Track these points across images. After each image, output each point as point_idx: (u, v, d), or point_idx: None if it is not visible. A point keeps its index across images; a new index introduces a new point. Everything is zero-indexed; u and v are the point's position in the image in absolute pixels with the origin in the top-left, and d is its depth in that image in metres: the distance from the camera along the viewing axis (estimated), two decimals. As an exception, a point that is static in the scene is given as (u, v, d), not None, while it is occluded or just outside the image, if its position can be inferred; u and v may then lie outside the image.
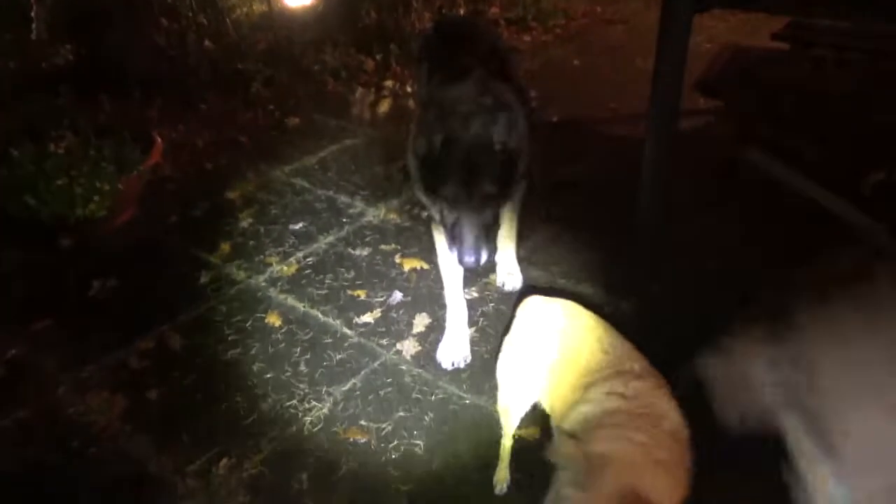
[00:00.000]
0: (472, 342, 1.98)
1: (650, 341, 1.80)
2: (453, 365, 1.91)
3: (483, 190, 1.59)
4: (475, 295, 2.17)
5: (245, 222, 2.60)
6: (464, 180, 1.57)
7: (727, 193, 2.49)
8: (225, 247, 2.44)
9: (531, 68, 4.02)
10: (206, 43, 4.35)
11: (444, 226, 1.68)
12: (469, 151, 1.57)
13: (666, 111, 2.00)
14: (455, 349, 1.92)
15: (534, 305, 1.49)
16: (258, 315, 2.11)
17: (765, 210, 2.34)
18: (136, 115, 3.41)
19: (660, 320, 1.94)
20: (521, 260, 2.28)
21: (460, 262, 1.63)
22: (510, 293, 2.17)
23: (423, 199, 1.79)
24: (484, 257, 1.62)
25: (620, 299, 2.11)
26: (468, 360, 1.92)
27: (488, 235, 1.65)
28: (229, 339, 2.02)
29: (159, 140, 2.66)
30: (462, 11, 4.82)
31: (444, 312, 2.05)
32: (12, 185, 2.21)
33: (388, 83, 3.86)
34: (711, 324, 1.68)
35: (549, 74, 3.98)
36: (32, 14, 3.81)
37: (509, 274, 2.20)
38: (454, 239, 1.62)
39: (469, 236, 1.59)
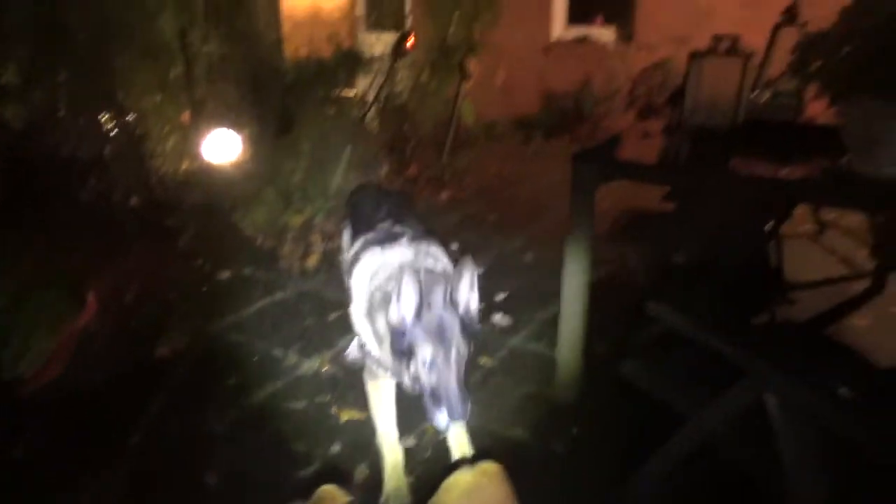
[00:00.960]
0: (412, 490, 2.02)
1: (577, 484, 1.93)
2: None
3: (459, 349, 1.71)
4: (413, 442, 2.23)
5: (177, 380, 2.59)
6: (440, 342, 1.69)
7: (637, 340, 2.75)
8: (154, 407, 2.42)
9: (451, 223, 4.35)
10: (133, 199, 4.46)
11: (421, 390, 1.73)
12: (442, 317, 1.70)
13: (580, 263, 2.26)
14: (396, 498, 1.96)
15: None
16: (196, 472, 2.08)
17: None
18: (64, 269, 3.42)
19: (583, 463, 2.08)
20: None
21: (452, 417, 1.67)
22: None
23: (391, 364, 1.85)
24: (468, 408, 1.70)
25: (550, 441, 2.24)
26: None
27: (466, 389, 1.72)
28: (165, 500, 1.97)
29: (92, 298, 2.67)
30: (384, 170, 5.21)
31: (382, 462, 2.11)
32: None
33: (316, 238, 4.05)
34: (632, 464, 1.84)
35: (466, 228, 4.30)
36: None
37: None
38: (436, 401, 1.68)
39: (453, 396, 1.66)
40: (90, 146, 4.10)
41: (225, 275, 3.56)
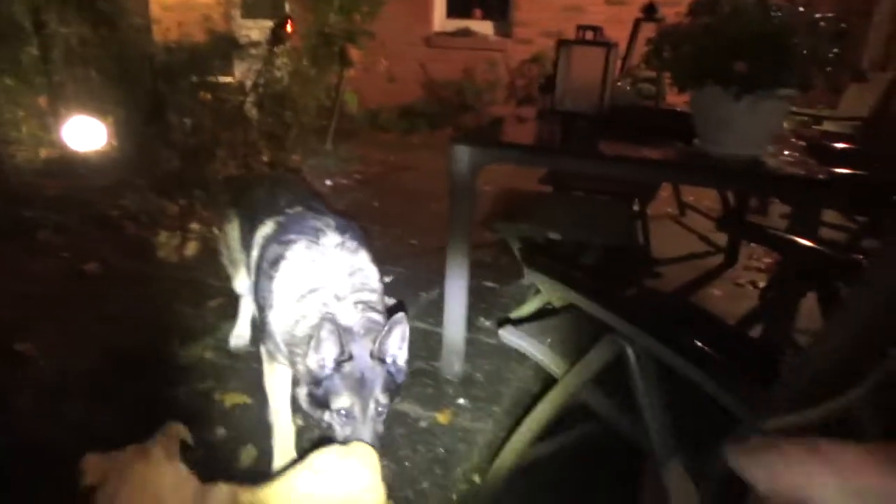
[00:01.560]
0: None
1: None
2: None
3: (378, 402, 1.65)
4: (302, 423, 2.23)
5: (42, 377, 2.43)
6: (359, 394, 1.62)
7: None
8: (23, 404, 2.26)
9: (336, 210, 4.33)
10: (-20, 192, 4.10)
11: (336, 436, 1.67)
12: (363, 370, 1.63)
13: (461, 246, 2.34)
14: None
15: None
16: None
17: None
18: None
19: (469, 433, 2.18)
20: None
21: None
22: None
23: (305, 407, 1.76)
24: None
25: (434, 412, 2.32)
26: None
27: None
28: None
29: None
30: (265, 158, 5.10)
31: (271, 442, 2.10)
32: None
33: (195, 226, 3.90)
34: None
35: (351, 215, 4.29)
36: None
37: None
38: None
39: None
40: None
41: (92, 267, 3.35)
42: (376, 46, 6.00)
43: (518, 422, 1.86)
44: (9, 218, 3.82)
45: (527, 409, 1.86)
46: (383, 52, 6.45)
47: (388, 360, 1.67)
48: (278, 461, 1.98)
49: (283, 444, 2.01)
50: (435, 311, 2.86)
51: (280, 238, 1.93)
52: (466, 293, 2.41)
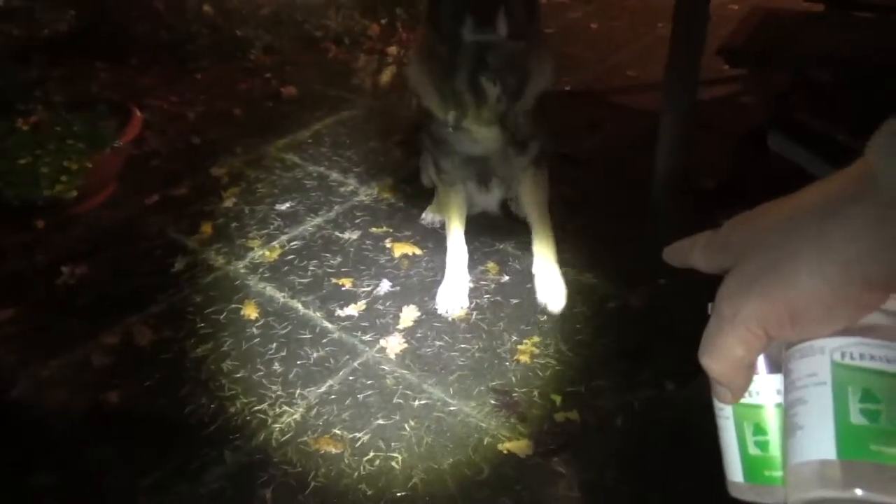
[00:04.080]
0: (463, 339, 1.81)
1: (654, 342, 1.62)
2: (447, 313, 1.86)
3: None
4: (469, 285, 1.98)
5: (230, 202, 2.43)
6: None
7: (750, 176, 2.26)
8: (206, 229, 2.28)
9: (546, 31, 3.75)
10: (206, 7, 4.15)
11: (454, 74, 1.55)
12: None
13: (684, 80, 1.78)
14: (454, 295, 1.89)
15: None
16: (234, 306, 1.95)
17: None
18: (130, 85, 3.28)
19: (666, 318, 1.76)
20: (522, 246, 2.09)
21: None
22: (506, 283, 1.99)
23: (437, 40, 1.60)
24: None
25: (629, 292, 1.91)
26: (465, 307, 1.88)
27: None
28: (201, 333, 1.87)
29: (138, 113, 2.49)
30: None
31: (434, 304, 1.90)
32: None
33: (393, 50, 3.63)
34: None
35: (564, 39, 3.70)
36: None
37: (550, 289, 1.88)
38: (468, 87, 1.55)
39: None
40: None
41: (291, 91, 3.27)
42: None
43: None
44: (227, 37, 3.86)
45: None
46: None
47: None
48: (449, 282, 1.92)
49: (457, 265, 1.94)
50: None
51: None
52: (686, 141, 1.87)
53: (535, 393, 1.64)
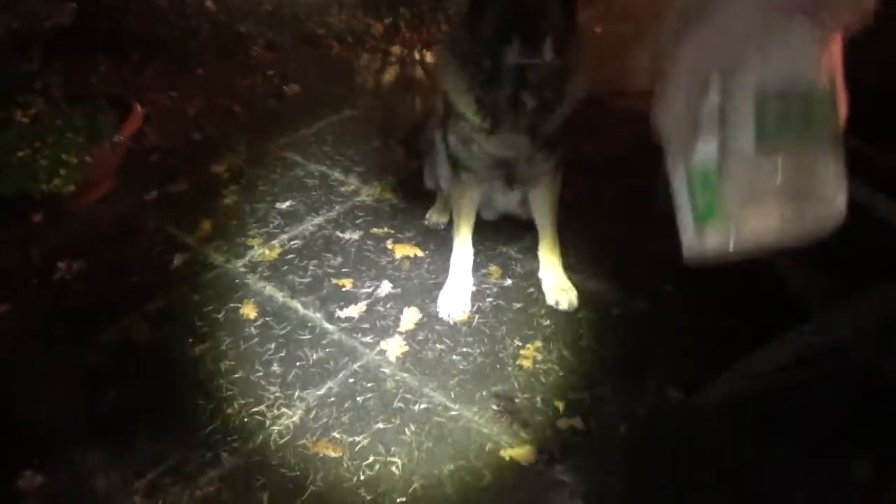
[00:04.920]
0: (465, 343, 1.78)
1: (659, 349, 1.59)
2: (449, 316, 1.84)
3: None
4: (472, 288, 1.95)
5: (229, 199, 2.40)
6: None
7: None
8: (205, 226, 2.25)
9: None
10: (208, 3, 4.12)
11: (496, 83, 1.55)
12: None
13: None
14: (456, 299, 1.87)
15: None
16: (233, 305, 1.92)
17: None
18: (130, 80, 3.24)
19: (671, 325, 1.74)
20: (524, 250, 2.07)
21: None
22: (508, 287, 1.97)
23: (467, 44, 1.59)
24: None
25: (633, 298, 1.89)
26: (467, 311, 1.86)
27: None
28: (199, 332, 1.83)
29: (138, 108, 2.46)
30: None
31: (435, 307, 1.87)
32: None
33: (396, 49, 3.61)
34: (734, 340, 1.47)
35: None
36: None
37: (561, 289, 1.90)
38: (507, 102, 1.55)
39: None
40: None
41: (293, 89, 3.24)
42: None
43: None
44: (229, 33, 3.83)
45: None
46: None
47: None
48: (452, 285, 1.91)
49: (461, 269, 1.93)
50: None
51: None
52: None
53: (538, 399, 1.62)
